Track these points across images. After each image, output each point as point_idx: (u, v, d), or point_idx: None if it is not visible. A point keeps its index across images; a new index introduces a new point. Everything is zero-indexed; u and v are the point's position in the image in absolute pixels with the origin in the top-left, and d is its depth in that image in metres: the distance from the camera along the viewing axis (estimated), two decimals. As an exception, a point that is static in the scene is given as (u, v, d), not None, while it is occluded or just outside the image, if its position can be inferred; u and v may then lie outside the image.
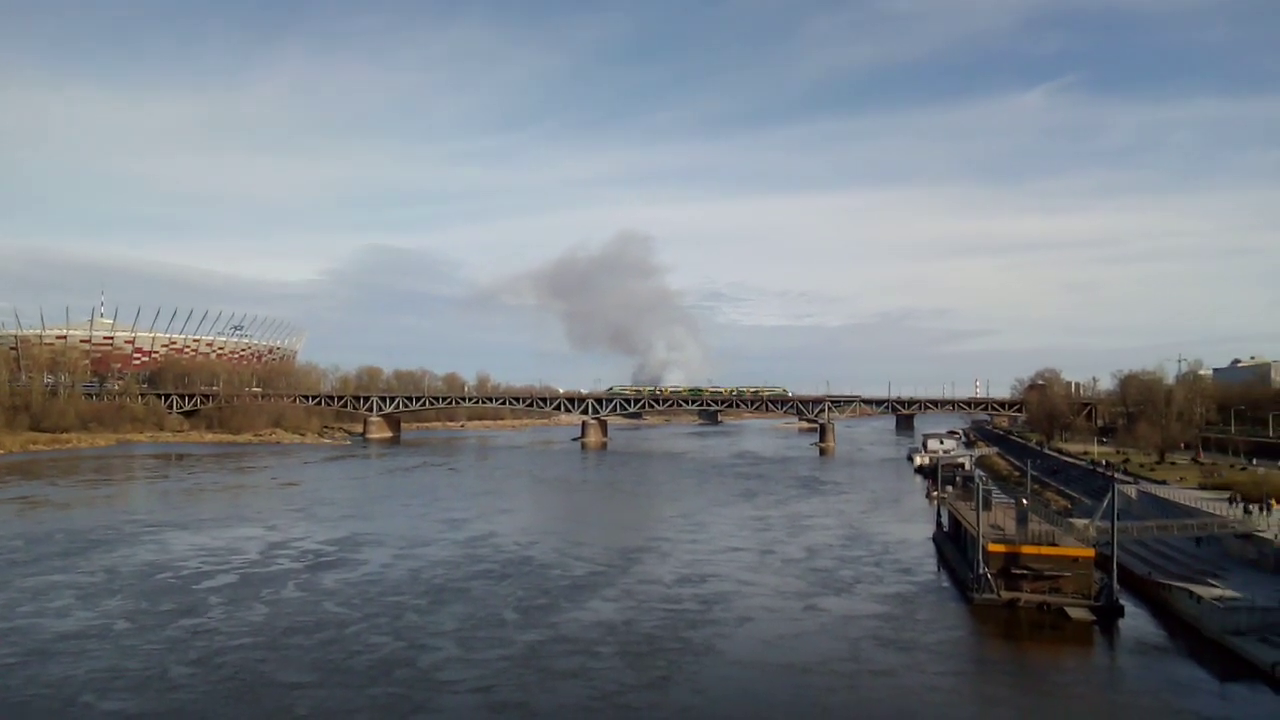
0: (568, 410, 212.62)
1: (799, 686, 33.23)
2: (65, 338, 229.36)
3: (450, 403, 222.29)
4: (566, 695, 31.65)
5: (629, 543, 64.01)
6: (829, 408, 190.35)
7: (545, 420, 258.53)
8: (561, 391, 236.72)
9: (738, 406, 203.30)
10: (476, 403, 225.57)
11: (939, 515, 71.47)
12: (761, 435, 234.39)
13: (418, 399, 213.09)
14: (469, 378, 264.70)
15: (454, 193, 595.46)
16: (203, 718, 28.96)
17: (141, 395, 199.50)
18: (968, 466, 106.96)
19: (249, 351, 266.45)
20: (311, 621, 40.57)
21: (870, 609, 45.33)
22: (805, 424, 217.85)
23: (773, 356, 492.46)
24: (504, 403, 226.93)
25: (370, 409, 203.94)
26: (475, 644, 37.46)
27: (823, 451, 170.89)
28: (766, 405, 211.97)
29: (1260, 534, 51.55)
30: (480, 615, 42.27)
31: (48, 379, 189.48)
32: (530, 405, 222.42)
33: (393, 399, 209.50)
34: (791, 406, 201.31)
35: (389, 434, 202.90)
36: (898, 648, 38.64)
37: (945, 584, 53.07)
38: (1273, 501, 58.56)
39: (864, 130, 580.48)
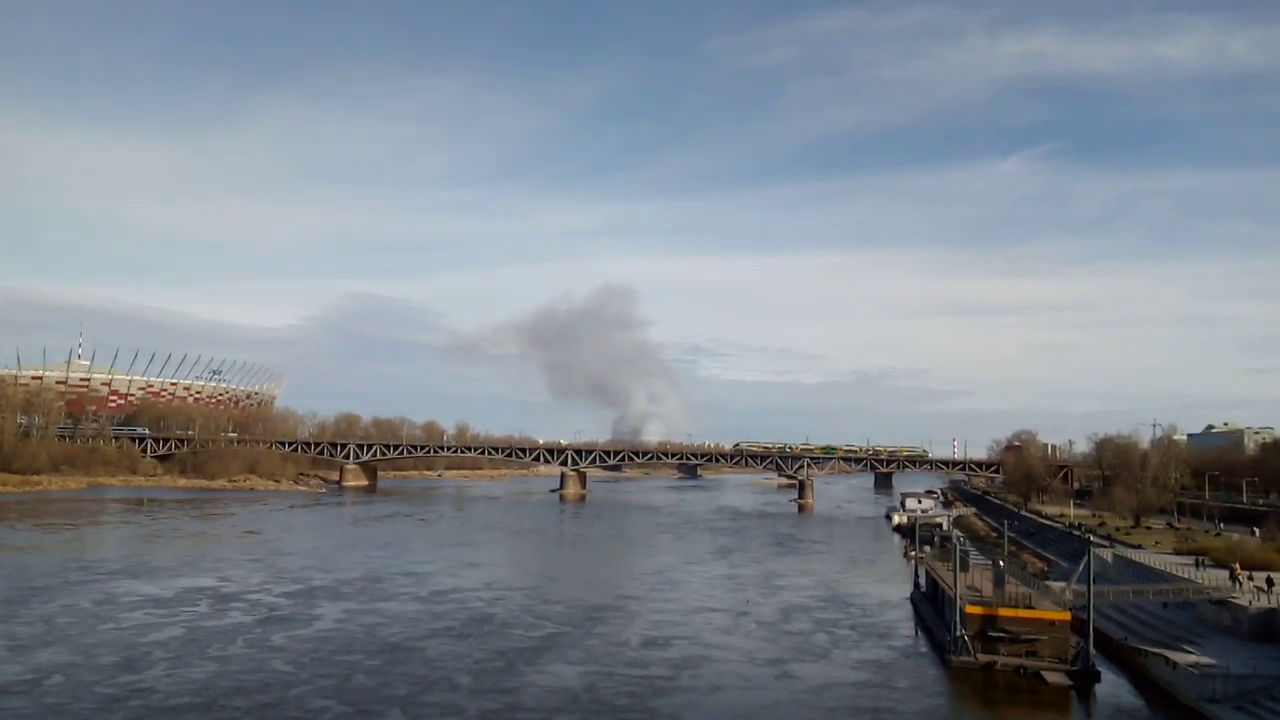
0: (547, 461, 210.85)
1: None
2: (41, 378, 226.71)
3: (428, 451, 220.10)
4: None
5: (598, 600, 62.27)
6: (808, 464, 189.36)
7: (524, 471, 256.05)
8: (541, 442, 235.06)
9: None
10: (455, 452, 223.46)
11: (916, 575, 70.64)
12: (740, 491, 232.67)
13: (395, 447, 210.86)
14: (448, 427, 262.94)
15: (438, 241, 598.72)
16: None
17: (115, 438, 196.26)
18: (945, 526, 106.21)
19: (226, 396, 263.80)
20: (255, 682, 38.60)
21: (846, 675, 43.98)
22: (784, 480, 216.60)
23: (753, 412, 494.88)
24: (483, 452, 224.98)
25: (347, 456, 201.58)
26: (423, 711, 35.61)
27: (801, 508, 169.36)
28: (746, 460, 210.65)
29: (1234, 600, 51.07)
30: (433, 678, 40.37)
31: (21, 420, 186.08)
32: (509, 455, 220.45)
33: (370, 447, 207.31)
34: (771, 461, 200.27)
35: (365, 482, 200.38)
36: (876, 717, 37.34)
37: (923, 647, 51.95)
38: (1236, 566, 58.78)
39: (846, 191, 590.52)
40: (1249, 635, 47.96)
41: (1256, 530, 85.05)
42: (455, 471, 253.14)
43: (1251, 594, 52.23)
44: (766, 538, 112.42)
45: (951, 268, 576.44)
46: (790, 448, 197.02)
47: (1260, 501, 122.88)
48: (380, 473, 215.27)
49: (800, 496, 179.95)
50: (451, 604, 59.25)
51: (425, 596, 61.88)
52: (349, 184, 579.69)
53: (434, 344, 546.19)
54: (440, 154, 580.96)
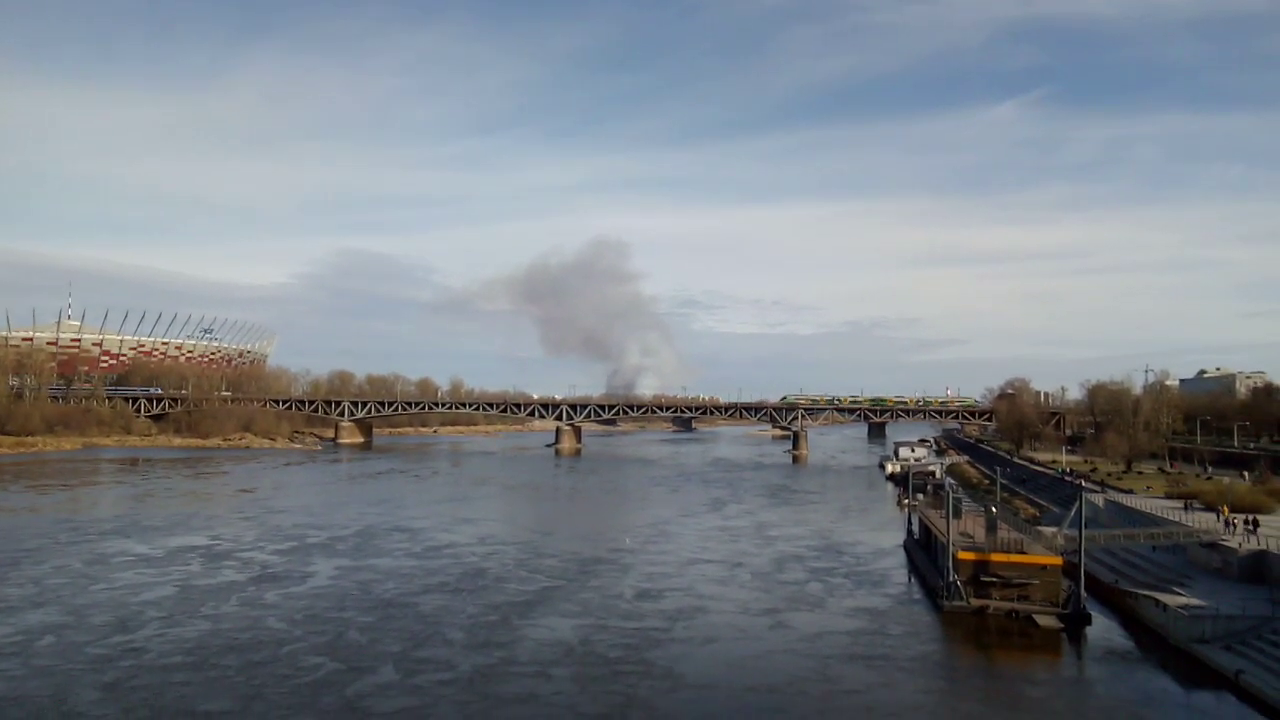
0: (541, 416, 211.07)
1: (765, 710, 31.71)
2: (31, 339, 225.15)
3: (423, 408, 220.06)
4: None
5: (592, 554, 62.39)
6: (802, 415, 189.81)
7: (519, 426, 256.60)
8: (535, 397, 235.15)
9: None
10: (450, 408, 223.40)
11: (910, 523, 71.17)
12: (735, 443, 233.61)
13: (390, 404, 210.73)
14: (442, 383, 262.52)
15: (429, 197, 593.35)
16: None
17: (109, 398, 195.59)
18: (938, 474, 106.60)
19: (219, 355, 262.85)
20: (247, 640, 38.53)
21: (841, 624, 44.24)
22: (778, 431, 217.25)
23: (747, 364, 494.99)
24: (477, 408, 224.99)
25: (342, 414, 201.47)
26: (415, 666, 35.56)
27: (796, 459, 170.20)
28: (741, 412, 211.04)
29: (1224, 542, 51.45)
30: (426, 634, 40.35)
31: (13, 381, 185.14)
32: (504, 411, 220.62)
33: (365, 404, 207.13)
34: (765, 413, 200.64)
35: (361, 439, 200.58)
36: (868, 664, 37.59)
37: (916, 594, 52.39)
38: (1224, 509, 60.16)
39: (838, 140, 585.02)
40: (1238, 577, 48.38)
41: (1246, 474, 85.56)
42: (450, 428, 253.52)
43: (1241, 536, 52.64)
44: (761, 489, 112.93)
45: (945, 216, 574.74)
46: (840, 400, 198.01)
47: (1251, 445, 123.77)
48: (375, 430, 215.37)
49: (795, 447, 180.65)
50: (446, 559, 59.32)
51: (419, 552, 61.94)
52: (335, 139, 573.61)
53: (426, 300, 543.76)
54: (428, 108, 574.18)
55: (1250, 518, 56.23)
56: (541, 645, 38.89)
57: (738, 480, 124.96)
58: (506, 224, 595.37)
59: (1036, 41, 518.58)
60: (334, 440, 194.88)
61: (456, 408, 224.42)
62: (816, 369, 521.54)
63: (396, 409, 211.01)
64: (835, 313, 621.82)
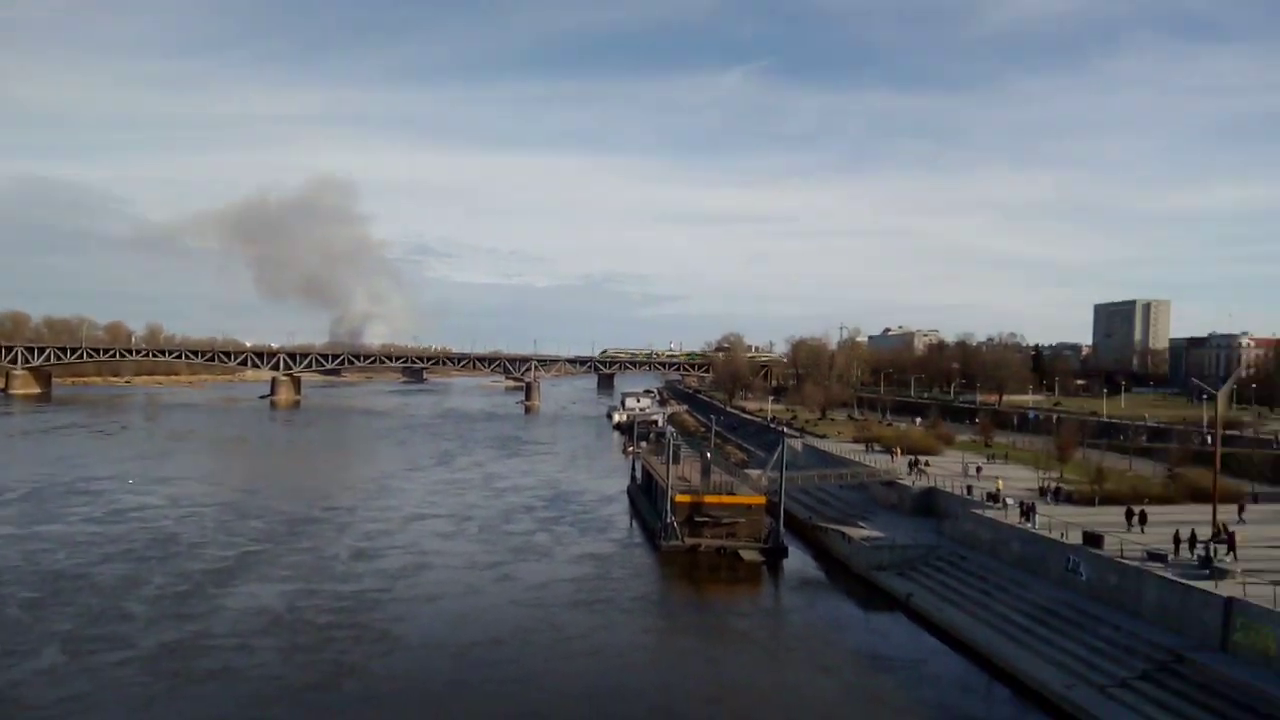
0: (256, 366, 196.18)
1: (491, 664, 31.34)
2: None
3: (114, 355, 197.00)
4: (199, 706, 26.97)
5: (304, 513, 58.62)
6: (535, 366, 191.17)
7: (229, 377, 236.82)
8: (248, 345, 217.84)
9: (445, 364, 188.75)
10: (146, 356, 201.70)
11: (633, 469, 73.84)
12: (467, 394, 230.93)
13: (74, 350, 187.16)
14: (138, 328, 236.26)
15: (127, 119, 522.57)
16: None
17: None
18: (660, 423, 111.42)
19: None
20: None
21: (566, 571, 45.15)
22: (511, 382, 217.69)
23: (482, 314, 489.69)
24: (180, 356, 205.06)
25: (14, 360, 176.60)
26: (88, 647, 31.52)
27: (528, 409, 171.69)
28: (474, 363, 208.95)
29: (900, 481, 58.12)
30: (102, 609, 35.93)
31: None
32: (211, 360, 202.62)
33: (42, 350, 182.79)
34: (499, 364, 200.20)
35: (37, 390, 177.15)
36: (592, 609, 38.61)
37: (638, 538, 54.64)
38: (896, 450, 69.09)
39: (581, 95, 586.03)
40: (910, 511, 54.91)
41: (919, 420, 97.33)
42: (147, 378, 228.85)
43: (914, 475, 59.76)
44: (492, 440, 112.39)
45: (675, 176, 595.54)
46: (657, 354, 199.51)
47: (925, 395, 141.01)
48: (56, 379, 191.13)
49: (527, 398, 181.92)
50: (131, 524, 53.24)
51: (100, 517, 55.23)
52: (14, 46, 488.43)
53: (121, 235, 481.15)
54: (127, 20, 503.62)
55: (917, 458, 64.43)
56: (242, 615, 35.90)
57: (468, 432, 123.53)
58: (218, 154, 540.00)
59: (761, 11, 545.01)
60: (3, 390, 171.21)
61: (154, 355, 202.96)
62: (552, 321, 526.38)
63: (81, 356, 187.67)
64: (571, 265, 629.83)
